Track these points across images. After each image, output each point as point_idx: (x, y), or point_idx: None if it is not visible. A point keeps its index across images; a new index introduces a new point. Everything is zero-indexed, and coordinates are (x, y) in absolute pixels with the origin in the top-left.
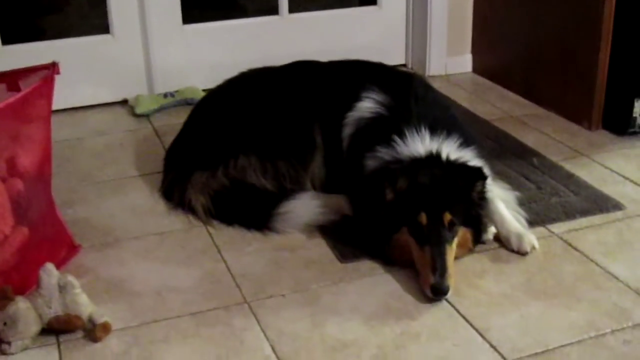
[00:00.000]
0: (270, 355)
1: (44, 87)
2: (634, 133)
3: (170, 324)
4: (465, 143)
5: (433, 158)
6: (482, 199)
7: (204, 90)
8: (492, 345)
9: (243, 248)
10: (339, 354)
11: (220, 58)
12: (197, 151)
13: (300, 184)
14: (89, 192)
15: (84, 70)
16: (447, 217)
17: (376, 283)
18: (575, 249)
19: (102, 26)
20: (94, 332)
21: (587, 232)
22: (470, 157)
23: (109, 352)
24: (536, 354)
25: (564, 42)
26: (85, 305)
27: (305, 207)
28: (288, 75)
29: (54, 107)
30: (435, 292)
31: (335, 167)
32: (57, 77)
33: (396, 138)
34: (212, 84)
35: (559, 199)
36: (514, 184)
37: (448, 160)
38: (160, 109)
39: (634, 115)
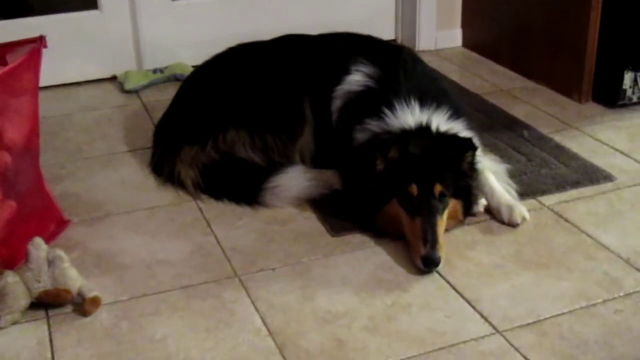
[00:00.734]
0: (261, 327)
1: (31, 60)
2: (624, 105)
3: (161, 297)
4: (455, 115)
5: (423, 130)
6: (472, 170)
7: (193, 66)
8: (483, 316)
9: (233, 222)
10: (329, 326)
11: (210, 33)
12: (186, 126)
13: (289, 158)
14: (78, 167)
15: (72, 46)
16: (438, 188)
17: (367, 255)
18: (566, 220)
19: (90, 1)
20: (83, 306)
21: (578, 203)
22: (460, 129)
23: (99, 326)
24: (527, 324)
25: (554, 15)
26: (74, 279)
27: (294, 180)
28: (277, 49)
29: (43, 83)
30: (427, 263)
31: (324, 141)
32: (45, 54)
33: (386, 110)
34: (201, 59)
35: (549, 170)
36: (504, 157)
37: (438, 132)
38: (150, 85)
39: (624, 87)
